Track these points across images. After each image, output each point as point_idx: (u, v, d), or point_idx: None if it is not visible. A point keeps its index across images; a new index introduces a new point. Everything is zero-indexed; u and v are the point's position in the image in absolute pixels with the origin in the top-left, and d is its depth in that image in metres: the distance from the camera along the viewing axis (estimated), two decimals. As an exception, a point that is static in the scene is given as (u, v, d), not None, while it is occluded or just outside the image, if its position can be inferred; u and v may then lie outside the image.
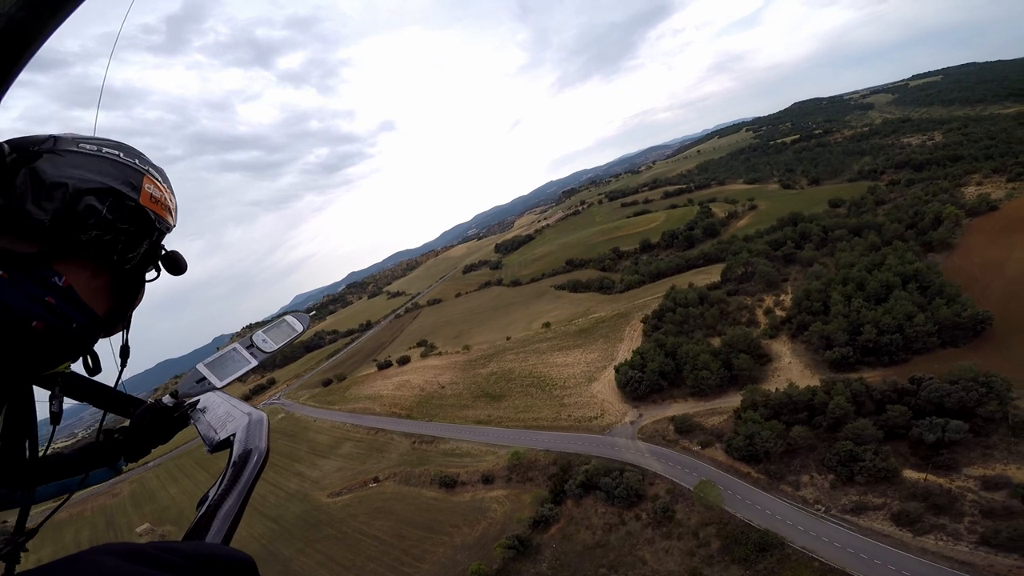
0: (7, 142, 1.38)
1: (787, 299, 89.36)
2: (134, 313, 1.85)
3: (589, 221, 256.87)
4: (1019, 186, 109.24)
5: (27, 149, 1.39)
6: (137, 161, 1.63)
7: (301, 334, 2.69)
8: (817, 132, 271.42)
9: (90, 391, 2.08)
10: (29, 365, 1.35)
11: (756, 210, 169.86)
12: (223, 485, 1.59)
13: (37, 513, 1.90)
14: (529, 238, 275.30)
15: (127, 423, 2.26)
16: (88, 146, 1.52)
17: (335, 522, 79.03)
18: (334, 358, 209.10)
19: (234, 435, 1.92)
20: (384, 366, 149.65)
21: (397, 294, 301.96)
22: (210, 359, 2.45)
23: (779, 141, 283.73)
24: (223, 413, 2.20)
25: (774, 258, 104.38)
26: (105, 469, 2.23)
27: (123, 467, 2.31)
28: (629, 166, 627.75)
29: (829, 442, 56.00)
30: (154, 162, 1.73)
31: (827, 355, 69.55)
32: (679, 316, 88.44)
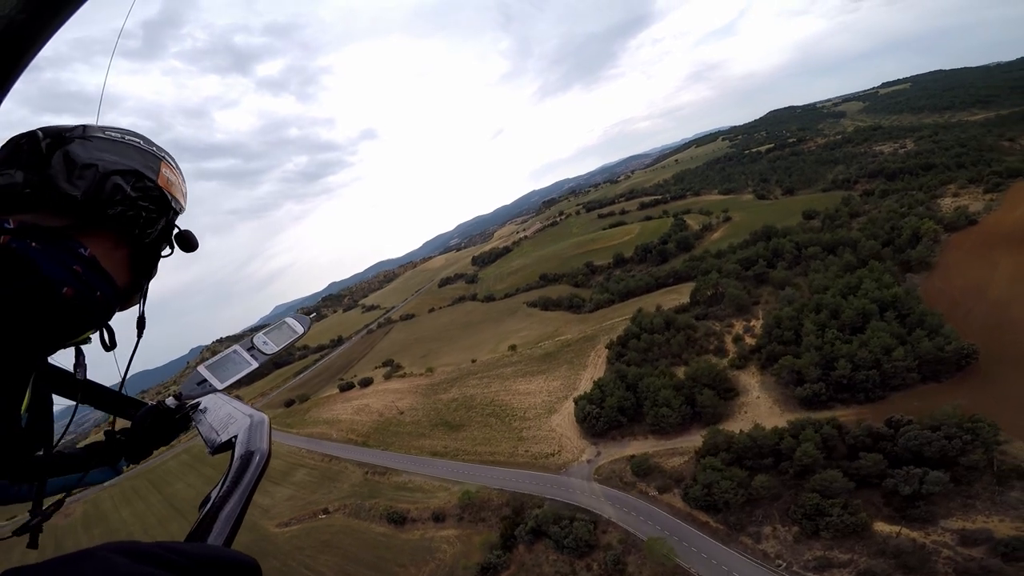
0: (41, 129, 1.53)
1: (757, 325, 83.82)
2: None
3: (566, 233, 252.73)
4: (997, 197, 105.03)
5: (60, 135, 1.54)
6: (155, 148, 1.80)
7: (302, 336, 2.62)
8: (791, 141, 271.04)
9: (91, 393, 2.10)
10: (60, 331, 1.46)
11: (730, 222, 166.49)
12: (225, 487, 1.59)
13: (25, 509, 1.91)
14: (506, 250, 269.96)
15: (128, 425, 2.30)
16: (114, 133, 1.68)
17: (281, 554, 73.68)
18: (301, 376, 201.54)
19: (236, 437, 1.92)
20: (346, 387, 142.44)
21: (372, 307, 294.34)
22: (211, 361, 2.42)
23: (754, 150, 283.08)
24: (224, 415, 2.18)
25: (745, 278, 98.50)
26: (106, 469, 2.23)
27: (124, 468, 2.31)
28: (609, 175, 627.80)
29: (796, 490, 50.42)
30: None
31: (797, 392, 63.79)
32: (644, 343, 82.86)
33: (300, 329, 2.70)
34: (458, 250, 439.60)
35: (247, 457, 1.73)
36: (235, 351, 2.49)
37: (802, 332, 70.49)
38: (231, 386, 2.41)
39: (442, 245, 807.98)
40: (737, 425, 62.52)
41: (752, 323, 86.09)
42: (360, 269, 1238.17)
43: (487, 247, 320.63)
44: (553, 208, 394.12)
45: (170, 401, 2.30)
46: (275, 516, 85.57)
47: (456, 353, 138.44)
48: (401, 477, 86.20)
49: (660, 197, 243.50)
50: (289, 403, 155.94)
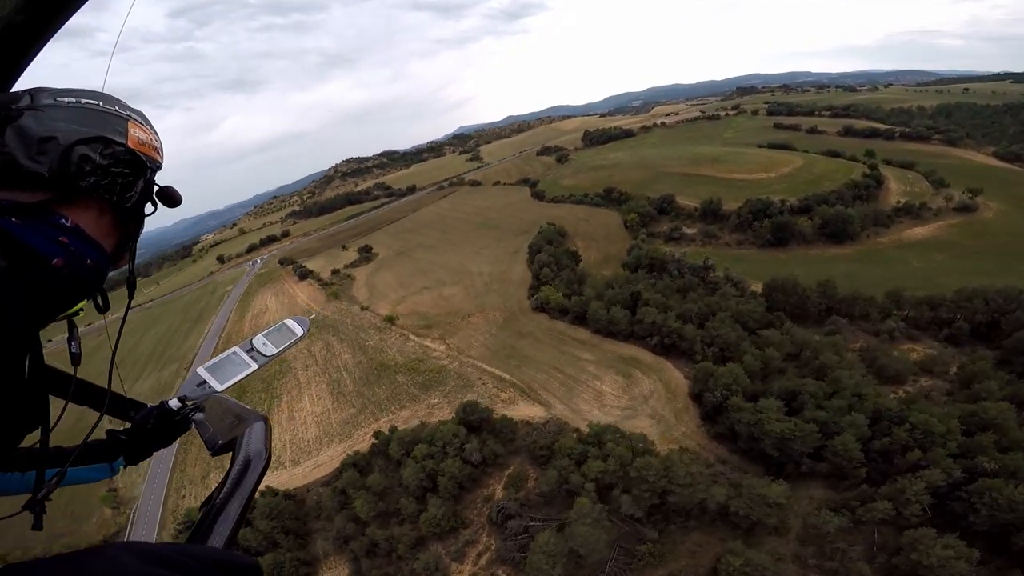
0: None
1: None
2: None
3: (715, 134, 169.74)
4: None
5: (6, 108, 1.35)
6: (117, 108, 1.54)
7: (301, 338, 2.60)
8: None
9: (88, 395, 2.01)
10: (54, 303, 1.38)
11: (969, 213, 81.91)
12: (226, 489, 1.55)
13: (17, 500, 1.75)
14: (628, 134, 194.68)
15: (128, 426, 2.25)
16: (67, 99, 1.44)
17: None
18: (352, 220, 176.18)
19: (236, 439, 1.90)
20: (303, 274, 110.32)
21: (476, 158, 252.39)
22: (210, 363, 2.35)
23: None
24: (225, 417, 2.18)
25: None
26: (102, 467, 2.13)
27: (120, 467, 2.19)
28: (867, 81, 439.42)
29: None
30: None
31: None
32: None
33: (299, 331, 2.57)
34: (603, 115, 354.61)
35: (248, 459, 1.68)
36: (234, 352, 2.33)
37: None
38: (230, 387, 2.30)
39: (624, 103, 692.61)
40: None
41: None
42: (538, 108, 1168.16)
43: (611, 124, 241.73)
44: (745, 98, 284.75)
45: (173, 403, 2.16)
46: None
47: (395, 271, 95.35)
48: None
49: (886, 128, 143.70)
50: (284, 261, 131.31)
